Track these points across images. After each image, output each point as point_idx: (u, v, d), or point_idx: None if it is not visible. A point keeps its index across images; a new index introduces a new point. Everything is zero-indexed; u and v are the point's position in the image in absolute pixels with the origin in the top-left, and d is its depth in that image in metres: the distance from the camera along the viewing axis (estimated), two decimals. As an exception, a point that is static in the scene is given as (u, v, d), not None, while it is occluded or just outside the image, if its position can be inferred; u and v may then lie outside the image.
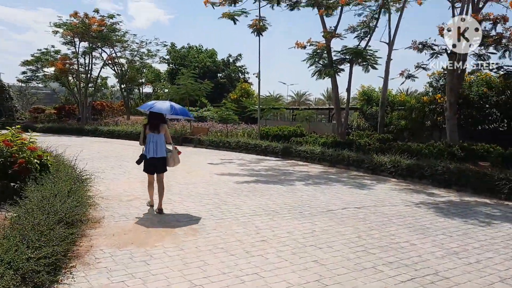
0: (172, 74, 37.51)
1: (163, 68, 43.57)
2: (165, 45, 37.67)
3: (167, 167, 7.11)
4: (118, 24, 31.70)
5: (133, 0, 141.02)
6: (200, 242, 5.34)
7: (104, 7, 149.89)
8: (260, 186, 9.75)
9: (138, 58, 36.90)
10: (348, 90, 17.39)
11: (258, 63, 19.94)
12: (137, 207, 7.16)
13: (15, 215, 4.46)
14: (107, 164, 12.91)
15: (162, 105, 6.99)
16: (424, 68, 15.28)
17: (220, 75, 38.90)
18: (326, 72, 17.22)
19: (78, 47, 31.51)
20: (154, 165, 6.89)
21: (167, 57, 39.78)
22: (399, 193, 9.59)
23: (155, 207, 7.00)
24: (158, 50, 37.37)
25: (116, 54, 33.99)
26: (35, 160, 6.53)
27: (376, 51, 17.43)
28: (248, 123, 25.58)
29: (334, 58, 17.49)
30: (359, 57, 16.94)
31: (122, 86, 37.56)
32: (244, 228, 6.06)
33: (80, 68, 32.27)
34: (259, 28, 16.62)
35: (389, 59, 18.41)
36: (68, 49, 31.89)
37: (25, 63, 33.18)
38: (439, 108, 19.75)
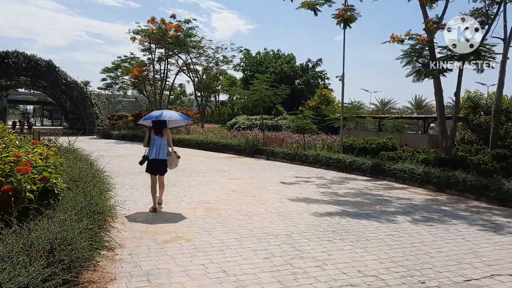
0: (247, 82, 35.99)
1: (239, 75, 42.35)
2: (241, 51, 36.28)
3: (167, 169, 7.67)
4: (194, 29, 30.84)
5: (216, 12, 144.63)
6: None
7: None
8: (349, 222, 7.09)
9: (214, 64, 35.86)
10: (457, 94, 14.03)
11: (342, 62, 17.26)
12: (172, 257, 4.92)
13: None
14: (163, 179, 11.03)
15: (155, 113, 7.87)
16: None
17: (298, 81, 36.44)
18: (427, 73, 14.04)
19: (154, 54, 31.12)
20: (156, 166, 7.46)
21: (242, 64, 38.36)
22: None
23: (157, 206, 7.42)
24: (234, 56, 35.86)
25: (191, 60, 33.16)
26: (29, 186, 4.57)
27: (494, 45, 13.87)
28: (328, 134, 22.83)
29: (438, 55, 14.26)
30: (473, 53, 13.53)
31: (197, 94, 36.77)
32: (332, 320, 3.52)
33: (156, 75, 31.84)
34: (346, 18, 13.91)
35: (505, 57, 14.66)
36: (144, 55, 31.66)
37: (105, 70, 33.56)
38: None
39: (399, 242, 5.96)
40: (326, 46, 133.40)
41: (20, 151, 5.36)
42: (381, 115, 26.33)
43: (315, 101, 30.53)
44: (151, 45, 30.84)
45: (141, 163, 7.62)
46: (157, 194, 7.59)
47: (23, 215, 4.32)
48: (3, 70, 30.74)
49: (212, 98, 48.29)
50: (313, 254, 5.27)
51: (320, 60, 37.74)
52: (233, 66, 36.89)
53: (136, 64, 31.46)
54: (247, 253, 5.16)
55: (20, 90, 50.59)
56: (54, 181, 5.08)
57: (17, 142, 7.04)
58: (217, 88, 40.97)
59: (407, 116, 27.20)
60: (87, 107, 35.59)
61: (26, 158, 5.23)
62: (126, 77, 33.46)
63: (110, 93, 48.87)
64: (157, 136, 7.42)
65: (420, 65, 14.66)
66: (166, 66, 31.35)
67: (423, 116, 26.36)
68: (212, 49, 33.91)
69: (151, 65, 31.28)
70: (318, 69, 37.84)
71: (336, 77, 17.64)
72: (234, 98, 40.18)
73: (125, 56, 33.60)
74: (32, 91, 47.75)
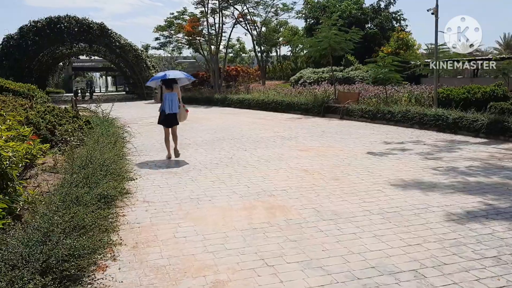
0: (311, 31, 32.31)
1: (300, 24, 38.44)
2: (302, -5, 32.33)
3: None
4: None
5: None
6: None
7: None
8: (513, 233, 4.15)
9: (273, 14, 32.39)
10: None
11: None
12: None
13: None
14: (213, 155, 8.62)
15: (160, 73, 8.57)
16: None
17: (369, 25, 31.92)
18: None
19: (207, 6, 28.26)
20: (170, 119, 8.13)
21: (304, 11, 34.36)
22: None
23: (173, 156, 8.14)
24: (295, 2, 32.07)
25: (248, 10, 29.98)
26: None
27: None
28: (413, 83, 19.09)
29: None
30: None
31: (257, 49, 33.72)
32: None
33: (210, 31, 29.16)
34: None
35: None
36: (196, 7, 28.94)
37: (158, 28, 31.48)
38: None
39: None
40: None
41: None
42: (476, 58, 21.98)
43: (391, 47, 26.33)
44: (204, -4, 28.00)
45: (160, 118, 8.26)
46: (172, 144, 8.23)
47: None
48: (56, 36, 29.80)
49: (273, 54, 44.94)
50: None
51: (393, -3, 32.68)
52: (295, 13, 33.13)
53: (188, 19, 28.92)
54: None
55: (81, 57, 50.88)
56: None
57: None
58: (277, 40, 37.53)
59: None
60: (143, 70, 34.01)
61: None
62: (180, 35, 31.18)
63: (169, 54, 47.41)
64: (168, 91, 8.03)
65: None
66: (220, 19, 28.42)
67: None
68: (271, -5, 30.40)
69: (205, 19, 28.54)
70: (391, 9, 32.94)
71: (428, 10, 13.79)
72: (297, 50, 36.66)
73: (177, 11, 31.24)
74: (93, 57, 47.60)
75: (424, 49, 26.65)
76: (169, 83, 8.05)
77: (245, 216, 4.76)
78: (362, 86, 18.92)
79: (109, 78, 75.91)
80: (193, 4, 28.82)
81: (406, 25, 32.86)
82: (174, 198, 5.48)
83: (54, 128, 7.74)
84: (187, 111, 8.42)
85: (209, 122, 15.07)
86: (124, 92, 53.27)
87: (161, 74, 8.46)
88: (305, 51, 32.98)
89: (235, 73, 34.62)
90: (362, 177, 6.45)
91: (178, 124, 8.31)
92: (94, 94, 43.68)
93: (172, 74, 8.44)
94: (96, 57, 46.65)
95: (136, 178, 5.94)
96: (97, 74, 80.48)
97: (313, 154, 8.49)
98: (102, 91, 64.26)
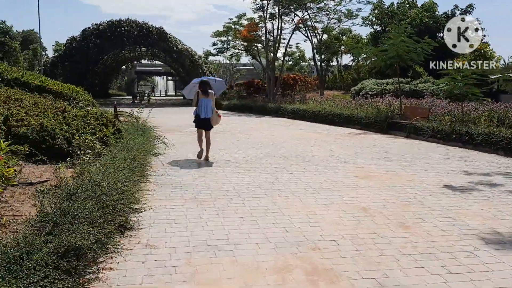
0: (376, 39, 30.24)
1: (365, 32, 36.39)
2: (368, 2, 30.34)
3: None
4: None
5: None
6: None
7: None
8: None
9: (336, 21, 30.65)
10: None
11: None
12: None
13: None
14: (252, 178, 7.27)
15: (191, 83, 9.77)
16: None
17: (441, 34, 29.31)
18: None
19: (266, 10, 27.10)
20: (205, 123, 8.64)
21: (372, 17, 32.29)
22: None
23: (203, 157, 8.65)
24: (360, 9, 30.20)
25: (309, 16, 28.48)
26: None
27: None
28: (493, 100, 16.67)
29: None
30: None
31: (317, 57, 32.12)
32: None
33: (268, 36, 28.01)
34: None
35: None
36: (255, 12, 27.91)
37: (216, 34, 30.88)
38: None
39: None
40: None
41: None
42: None
43: (466, 58, 23.71)
44: (263, 1, 26.95)
45: (194, 121, 8.79)
46: (204, 147, 8.72)
47: None
48: (117, 39, 30.20)
49: (334, 63, 43.11)
50: None
51: (470, 6, 29.75)
52: (361, 18, 31.10)
53: (246, 24, 27.99)
54: None
55: (143, 61, 52.06)
56: None
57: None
58: (339, 48, 35.67)
59: None
60: (200, 76, 33.70)
61: None
62: (238, 42, 30.37)
63: (228, 61, 47.17)
64: (204, 97, 8.47)
65: None
66: (279, 24, 27.15)
67: None
68: (334, 1, 28.69)
69: (263, 24, 27.42)
70: (468, 18, 29.98)
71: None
72: (360, 59, 34.57)
73: (236, 16, 30.49)
74: (154, 62, 48.49)
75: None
76: (206, 90, 8.52)
77: (274, 285, 3.34)
78: (433, 101, 16.78)
79: (170, 82, 77.32)
80: (252, 9, 27.86)
81: (484, 36, 29.70)
82: (186, 242, 4.18)
83: (73, 137, 6.78)
84: (219, 116, 8.83)
85: (257, 134, 13.81)
86: (182, 97, 53.81)
87: (195, 80, 9.41)
88: (367, 62, 30.97)
89: (292, 82, 33.22)
90: (441, 226, 4.80)
91: (212, 127, 8.78)
92: (152, 98, 44.29)
93: (205, 78, 9.31)
94: (157, 62, 47.53)
95: (142, 211, 4.73)
96: (160, 78, 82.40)
97: (374, 183, 6.89)
98: (162, 95, 65.57)
